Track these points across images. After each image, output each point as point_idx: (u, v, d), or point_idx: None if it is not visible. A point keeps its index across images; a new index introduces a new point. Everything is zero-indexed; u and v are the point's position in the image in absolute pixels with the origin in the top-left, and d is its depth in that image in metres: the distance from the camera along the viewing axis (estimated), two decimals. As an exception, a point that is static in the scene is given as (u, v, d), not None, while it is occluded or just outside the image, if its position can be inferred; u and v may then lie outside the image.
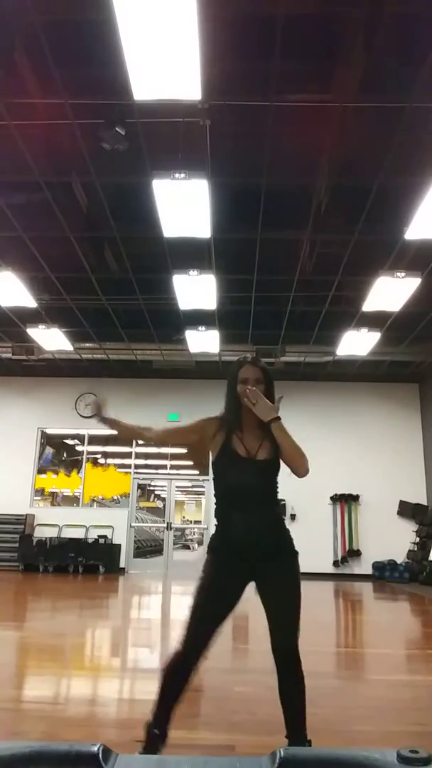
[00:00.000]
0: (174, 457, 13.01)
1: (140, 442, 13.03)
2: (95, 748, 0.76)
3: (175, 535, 12.64)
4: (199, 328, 9.39)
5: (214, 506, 2.37)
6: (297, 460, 2.28)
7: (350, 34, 4.38)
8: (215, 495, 2.38)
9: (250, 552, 2.24)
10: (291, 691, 2.21)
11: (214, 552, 2.30)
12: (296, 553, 2.30)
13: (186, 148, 5.15)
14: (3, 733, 2.70)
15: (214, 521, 2.36)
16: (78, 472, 13.15)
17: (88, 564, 11.43)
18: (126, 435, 2.43)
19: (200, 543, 14.89)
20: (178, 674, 2.21)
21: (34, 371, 12.47)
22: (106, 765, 0.75)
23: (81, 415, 12.84)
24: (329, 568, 11.81)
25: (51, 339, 10.03)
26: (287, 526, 2.35)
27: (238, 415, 2.34)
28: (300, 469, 2.30)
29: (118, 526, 12.16)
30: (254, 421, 2.33)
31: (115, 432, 2.46)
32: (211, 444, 2.35)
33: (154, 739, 2.13)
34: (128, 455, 13.08)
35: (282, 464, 2.35)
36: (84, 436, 13.13)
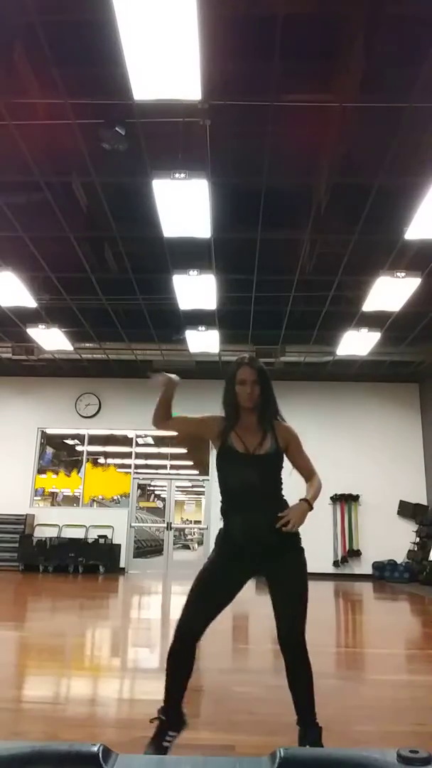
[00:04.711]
0: (174, 457, 13.01)
1: (140, 441, 13.11)
2: (95, 748, 0.76)
3: (175, 535, 12.63)
4: (199, 328, 9.39)
5: (220, 503, 2.43)
6: None
7: (350, 34, 4.38)
8: (220, 492, 2.43)
9: (251, 551, 2.28)
10: (298, 677, 2.28)
11: (219, 544, 2.37)
12: (301, 549, 2.34)
13: (186, 148, 5.15)
14: (3, 733, 2.70)
15: (220, 518, 2.42)
16: (78, 472, 13.15)
17: (88, 564, 11.42)
18: (162, 416, 2.48)
19: (200, 543, 14.88)
20: (177, 658, 2.28)
21: (34, 371, 12.47)
22: (106, 765, 0.75)
23: (81, 415, 12.85)
24: (329, 568, 11.80)
25: (51, 339, 10.02)
26: None
27: (236, 414, 2.38)
28: None
29: (118, 526, 12.16)
30: (253, 420, 2.38)
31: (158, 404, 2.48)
32: (214, 441, 2.40)
33: (162, 724, 2.21)
34: (128, 455, 13.08)
35: (286, 462, 2.41)
36: (84, 436, 13.12)
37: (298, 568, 2.32)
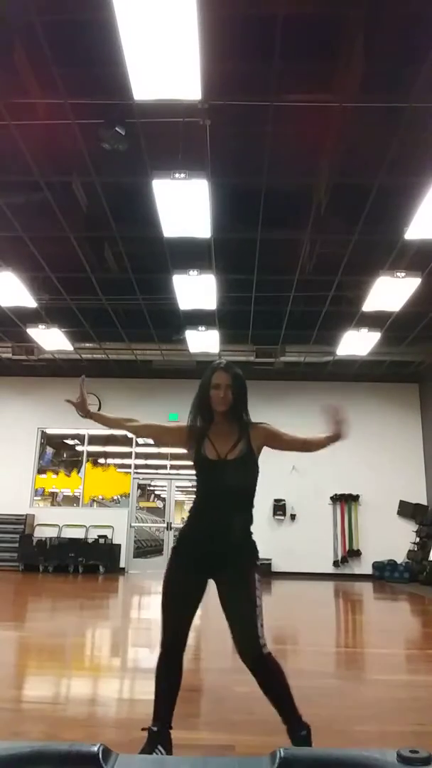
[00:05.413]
0: (174, 457, 13.01)
1: (140, 441, 13.10)
2: (95, 748, 0.76)
3: (174, 535, 12.61)
4: (199, 328, 9.39)
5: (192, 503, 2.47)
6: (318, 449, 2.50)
7: (350, 34, 4.38)
8: (196, 493, 2.46)
9: (212, 549, 2.29)
10: (269, 686, 2.24)
11: (179, 547, 2.37)
12: (256, 562, 2.34)
13: (186, 148, 5.15)
14: (3, 733, 2.70)
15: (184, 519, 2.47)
16: (78, 472, 13.15)
17: (88, 564, 11.42)
18: (111, 426, 2.72)
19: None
20: (165, 673, 2.28)
21: (34, 371, 12.47)
22: (106, 765, 0.75)
23: (81, 415, 12.84)
24: (329, 568, 11.80)
25: (51, 339, 10.02)
26: (253, 533, 2.39)
27: (210, 417, 2.40)
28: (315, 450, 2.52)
29: (118, 526, 12.16)
30: (225, 423, 2.40)
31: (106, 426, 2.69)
32: (187, 449, 2.43)
33: (152, 735, 2.17)
34: (128, 455, 13.08)
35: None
36: (84, 436, 13.12)
37: (249, 579, 2.25)
